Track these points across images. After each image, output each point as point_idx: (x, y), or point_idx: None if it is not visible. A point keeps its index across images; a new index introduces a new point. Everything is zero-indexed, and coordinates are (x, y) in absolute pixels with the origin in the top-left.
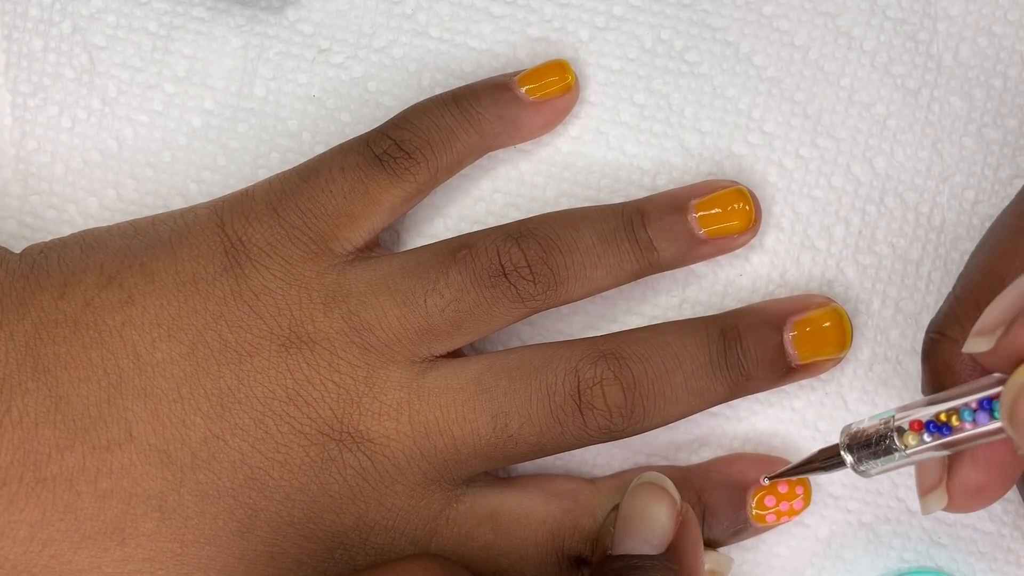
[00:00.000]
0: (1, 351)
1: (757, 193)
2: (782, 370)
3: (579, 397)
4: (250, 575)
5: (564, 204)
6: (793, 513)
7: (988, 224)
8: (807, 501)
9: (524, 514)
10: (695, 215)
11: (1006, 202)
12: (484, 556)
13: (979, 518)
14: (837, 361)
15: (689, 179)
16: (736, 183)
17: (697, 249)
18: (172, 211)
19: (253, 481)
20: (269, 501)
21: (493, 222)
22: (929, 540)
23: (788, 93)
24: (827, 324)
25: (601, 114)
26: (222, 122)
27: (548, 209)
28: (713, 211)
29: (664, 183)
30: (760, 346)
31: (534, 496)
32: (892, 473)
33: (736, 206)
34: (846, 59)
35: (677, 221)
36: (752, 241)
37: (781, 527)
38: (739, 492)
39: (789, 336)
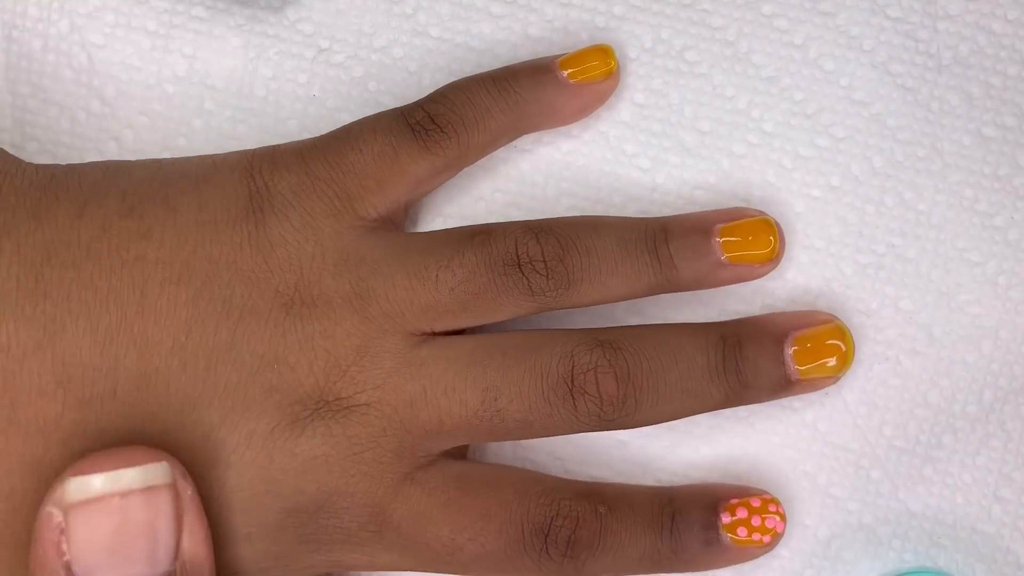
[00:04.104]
0: (5, 262)
1: (756, 192)
2: (780, 383)
3: (572, 381)
4: None
5: (565, 203)
6: (766, 532)
7: (987, 222)
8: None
9: (495, 477)
10: (719, 239)
11: (1005, 200)
12: (444, 512)
13: (979, 520)
14: (836, 379)
15: (689, 177)
16: (763, 213)
17: (717, 273)
18: (201, 155)
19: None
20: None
21: (493, 221)
22: (929, 541)
23: (787, 92)
24: (830, 341)
25: (601, 113)
26: (222, 122)
27: (549, 208)
28: (737, 238)
29: (663, 181)
30: (760, 356)
31: (511, 468)
32: (892, 473)
33: (761, 236)
34: (845, 58)
35: (701, 242)
36: None
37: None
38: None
39: (790, 350)
